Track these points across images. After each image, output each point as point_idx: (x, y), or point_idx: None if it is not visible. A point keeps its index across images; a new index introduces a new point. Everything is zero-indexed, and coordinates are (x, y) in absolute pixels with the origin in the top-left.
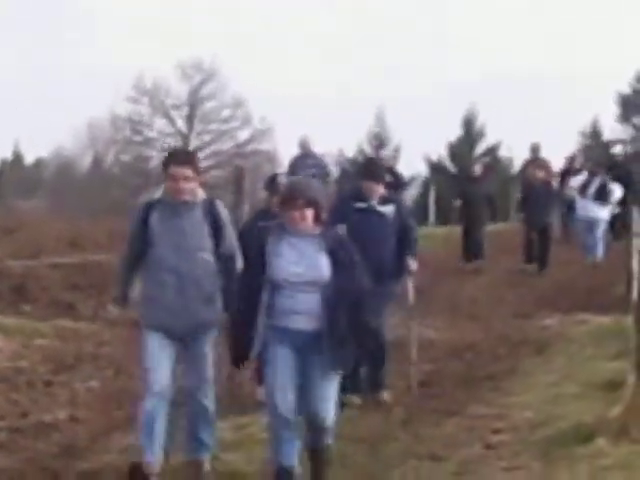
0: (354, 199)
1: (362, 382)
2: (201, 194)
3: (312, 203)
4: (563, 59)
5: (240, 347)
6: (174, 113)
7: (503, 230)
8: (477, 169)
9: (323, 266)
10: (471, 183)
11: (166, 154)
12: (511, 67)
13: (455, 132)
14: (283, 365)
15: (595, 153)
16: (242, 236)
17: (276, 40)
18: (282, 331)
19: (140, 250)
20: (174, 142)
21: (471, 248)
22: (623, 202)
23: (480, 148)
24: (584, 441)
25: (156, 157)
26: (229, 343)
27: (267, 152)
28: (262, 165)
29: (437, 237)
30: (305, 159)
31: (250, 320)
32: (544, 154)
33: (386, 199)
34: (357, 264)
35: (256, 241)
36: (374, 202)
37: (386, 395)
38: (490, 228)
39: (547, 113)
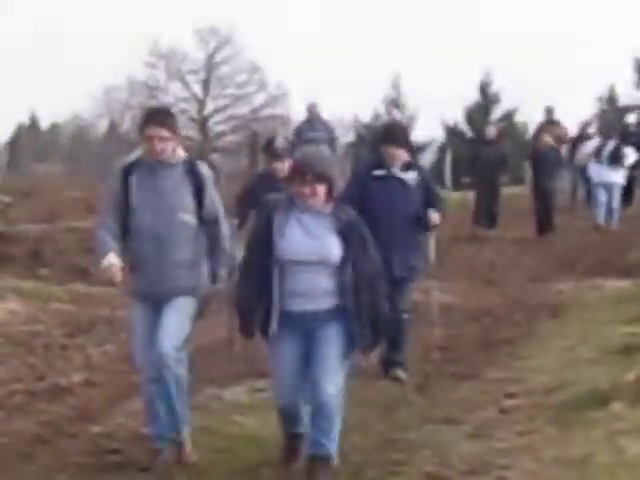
0: (373, 167)
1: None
2: (182, 154)
3: (324, 178)
4: (581, 24)
5: (245, 325)
6: (190, 78)
7: (518, 194)
8: (491, 132)
9: (333, 246)
10: (485, 146)
11: (143, 114)
12: (529, 31)
13: (472, 96)
14: (290, 360)
15: (610, 119)
16: (242, 199)
17: (293, 5)
18: (287, 315)
19: (120, 215)
20: (190, 106)
21: (482, 213)
22: (636, 166)
23: (496, 113)
24: (600, 405)
25: None
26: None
27: (282, 117)
28: (277, 129)
29: (453, 202)
30: (312, 124)
31: (253, 299)
32: (560, 119)
33: (408, 165)
34: (370, 247)
35: (262, 216)
36: (395, 168)
37: (402, 373)
38: (506, 192)
39: (564, 78)
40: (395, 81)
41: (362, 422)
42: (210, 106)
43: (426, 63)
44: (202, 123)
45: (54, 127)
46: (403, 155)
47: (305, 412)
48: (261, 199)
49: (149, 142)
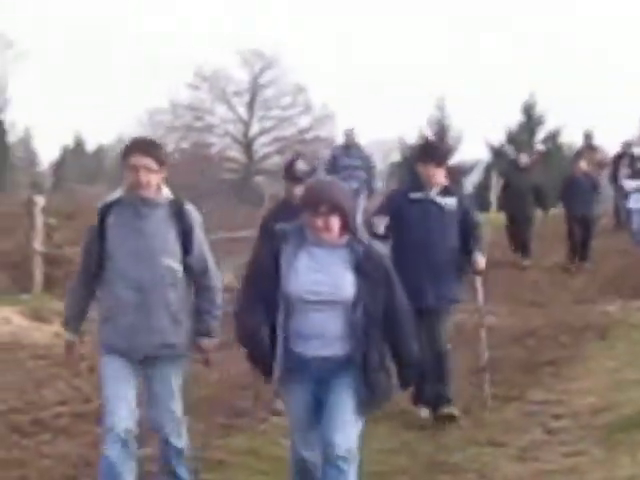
0: (410, 189)
1: (428, 396)
2: (167, 193)
3: (338, 209)
4: (628, 41)
5: (260, 363)
6: (235, 100)
7: (558, 215)
8: (523, 159)
9: (347, 284)
10: (518, 172)
11: (127, 143)
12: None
13: (516, 117)
14: (301, 408)
15: None
16: (262, 231)
17: (339, 28)
18: (297, 359)
19: (96, 263)
20: (235, 129)
21: (517, 240)
22: None
23: (540, 134)
24: None
25: (217, 143)
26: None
27: (327, 139)
28: (321, 152)
29: (496, 222)
30: (348, 150)
31: (260, 333)
32: (606, 139)
33: (447, 190)
34: (392, 281)
35: (269, 246)
36: (433, 192)
37: (454, 410)
38: (550, 212)
39: (611, 97)
40: (440, 102)
41: (408, 444)
42: (255, 128)
43: (472, 82)
44: (247, 145)
45: (99, 150)
46: (441, 175)
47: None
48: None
49: (133, 172)
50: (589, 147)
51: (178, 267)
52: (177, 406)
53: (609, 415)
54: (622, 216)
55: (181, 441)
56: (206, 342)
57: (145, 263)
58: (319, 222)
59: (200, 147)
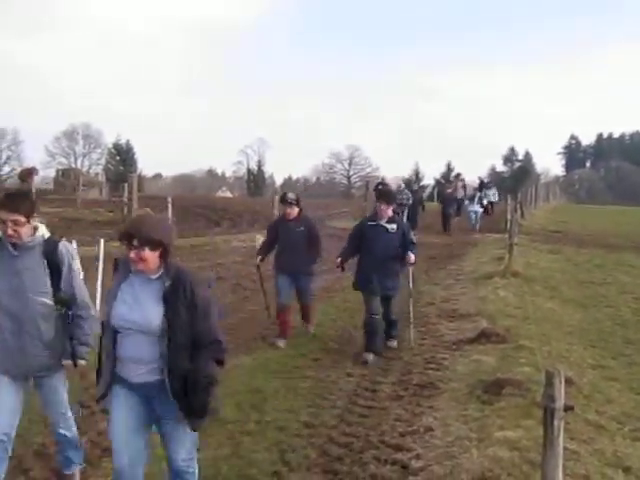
0: (368, 220)
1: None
2: (42, 234)
3: (152, 243)
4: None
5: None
6: (344, 162)
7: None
8: (414, 186)
9: (153, 315)
10: (414, 192)
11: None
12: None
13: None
14: (124, 424)
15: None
16: (269, 229)
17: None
18: (121, 382)
19: None
20: (344, 173)
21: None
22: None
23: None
24: (489, 278)
25: (337, 178)
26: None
27: (377, 176)
28: (371, 182)
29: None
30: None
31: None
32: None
33: (391, 219)
34: (197, 305)
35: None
36: (382, 220)
37: (395, 344)
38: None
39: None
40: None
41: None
42: (351, 172)
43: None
44: (348, 179)
45: (285, 180)
46: (389, 210)
47: None
48: (278, 230)
49: (3, 225)
50: (457, 177)
51: (51, 301)
52: (65, 407)
53: (477, 274)
54: (464, 211)
55: (71, 432)
56: (69, 364)
57: (20, 298)
58: (132, 255)
59: (332, 179)
